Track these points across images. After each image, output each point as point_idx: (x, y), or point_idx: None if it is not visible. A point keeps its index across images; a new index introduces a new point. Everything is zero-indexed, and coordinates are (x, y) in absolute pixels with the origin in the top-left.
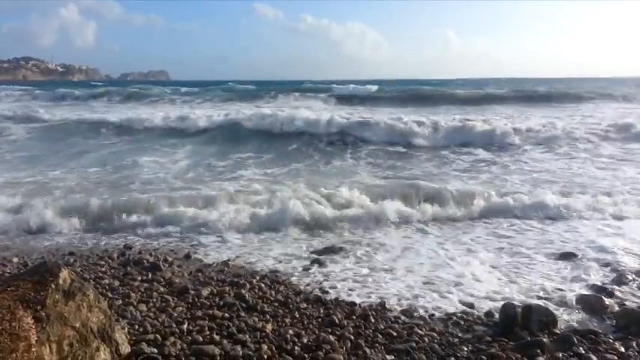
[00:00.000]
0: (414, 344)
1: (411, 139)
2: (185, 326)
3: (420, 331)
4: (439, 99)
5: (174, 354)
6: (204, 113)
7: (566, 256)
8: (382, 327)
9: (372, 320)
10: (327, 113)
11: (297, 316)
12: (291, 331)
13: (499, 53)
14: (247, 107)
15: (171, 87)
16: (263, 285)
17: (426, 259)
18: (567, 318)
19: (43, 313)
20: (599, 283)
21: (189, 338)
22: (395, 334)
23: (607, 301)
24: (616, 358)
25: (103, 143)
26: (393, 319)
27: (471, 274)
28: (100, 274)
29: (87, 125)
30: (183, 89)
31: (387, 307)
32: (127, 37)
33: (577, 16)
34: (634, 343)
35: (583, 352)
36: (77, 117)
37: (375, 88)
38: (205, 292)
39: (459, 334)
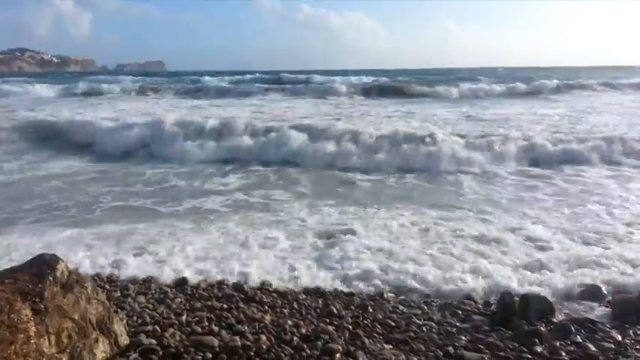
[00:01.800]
0: (413, 334)
1: None
2: (184, 317)
3: (418, 321)
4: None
5: (173, 345)
6: None
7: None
8: (380, 317)
9: (371, 310)
10: None
11: (296, 306)
12: (289, 322)
13: (499, 42)
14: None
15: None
16: None
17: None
18: (565, 307)
19: (42, 306)
20: (597, 273)
21: (189, 329)
22: (393, 323)
23: (604, 289)
24: (613, 346)
25: None
26: (391, 309)
27: (469, 265)
28: None
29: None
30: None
31: (385, 297)
32: (124, 28)
33: (574, 8)
34: (631, 332)
35: (580, 340)
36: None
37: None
38: (204, 283)
39: (457, 324)
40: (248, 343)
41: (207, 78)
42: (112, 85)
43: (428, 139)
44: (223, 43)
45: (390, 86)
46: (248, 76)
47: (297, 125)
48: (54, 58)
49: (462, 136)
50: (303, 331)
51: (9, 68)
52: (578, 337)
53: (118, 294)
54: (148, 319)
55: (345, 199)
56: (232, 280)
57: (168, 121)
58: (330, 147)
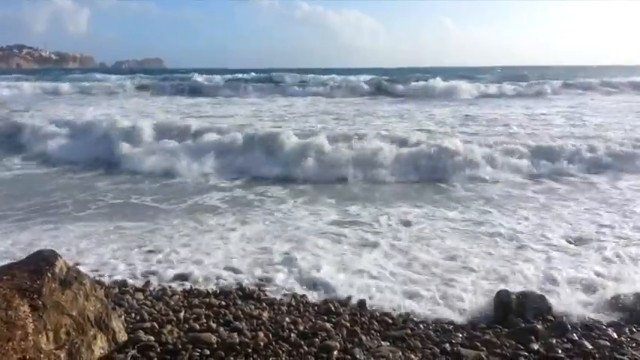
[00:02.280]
0: (410, 331)
1: None
2: (182, 314)
3: (415, 318)
4: None
5: (171, 342)
6: None
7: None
8: (378, 314)
9: (368, 308)
10: None
11: (294, 303)
12: (287, 319)
13: (497, 41)
14: None
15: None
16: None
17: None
18: (561, 304)
19: (40, 302)
20: (593, 270)
21: (186, 326)
22: (390, 321)
23: (600, 287)
24: (609, 344)
25: None
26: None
27: (464, 261)
28: None
29: None
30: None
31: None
32: (123, 26)
33: (575, 8)
34: (626, 330)
35: (576, 338)
36: None
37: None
38: (202, 280)
39: (454, 321)
40: (246, 339)
41: (204, 76)
42: (108, 83)
43: (425, 140)
44: (222, 41)
45: (388, 85)
46: (247, 75)
47: (295, 127)
48: (52, 55)
49: (460, 137)
50: (301, 328)
51: (7, 65)
52: (575, 334)
53: (117, 291)
54: (146, 316)
55: (343, 198)
56: (230, 277)
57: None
58: (329, 149)
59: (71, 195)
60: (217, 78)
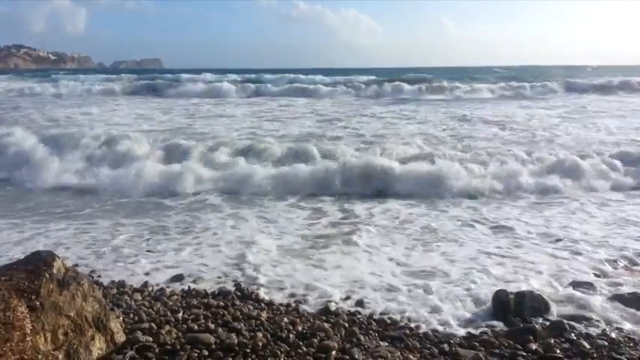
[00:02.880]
0: (408, 331)
1: None
2: (180, 315)
3: (413, 318)
4: None
5: (169, 342)
6: None
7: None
8: (376, 314)
9: (366, 308)
10: None
11: (292, 304)
12: (285, 319)
13: (499, 40)
14: None
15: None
16: None
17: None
18: (559, 304)
19: (38, 303)
20: (592, 269)
21: (185, 327)
22: (389, 321)
23: (599, 287)
24: (607, 343)
25: None
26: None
27: (462, 261)
28: None
29: None
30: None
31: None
32: (121, 26)
33: (577, 7)
34: (624, 329)
35: (574, 338)
36: None
37: None
38: (200, 280)
39: (452, 321)
40: (244, 340)
41: (201, 75)
42: (98, 82)
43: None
44: (221, 40)
45: (388, 85)
46: (245, 74)
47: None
48: (50, 55)
49: (460, 140)
50: (300, 328)
51: (5, 65)
52: (573, 334)
53: (115, 291)
54: (145, 317)
55: (340, 198)
56: (229, 277)
57: None
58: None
59: (71, 195)
60: (213, 77)
